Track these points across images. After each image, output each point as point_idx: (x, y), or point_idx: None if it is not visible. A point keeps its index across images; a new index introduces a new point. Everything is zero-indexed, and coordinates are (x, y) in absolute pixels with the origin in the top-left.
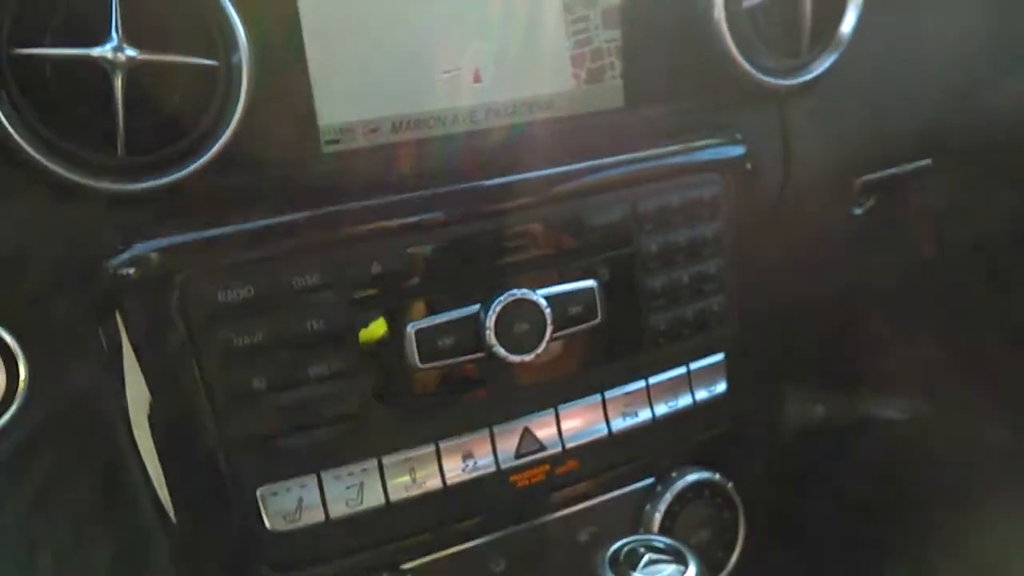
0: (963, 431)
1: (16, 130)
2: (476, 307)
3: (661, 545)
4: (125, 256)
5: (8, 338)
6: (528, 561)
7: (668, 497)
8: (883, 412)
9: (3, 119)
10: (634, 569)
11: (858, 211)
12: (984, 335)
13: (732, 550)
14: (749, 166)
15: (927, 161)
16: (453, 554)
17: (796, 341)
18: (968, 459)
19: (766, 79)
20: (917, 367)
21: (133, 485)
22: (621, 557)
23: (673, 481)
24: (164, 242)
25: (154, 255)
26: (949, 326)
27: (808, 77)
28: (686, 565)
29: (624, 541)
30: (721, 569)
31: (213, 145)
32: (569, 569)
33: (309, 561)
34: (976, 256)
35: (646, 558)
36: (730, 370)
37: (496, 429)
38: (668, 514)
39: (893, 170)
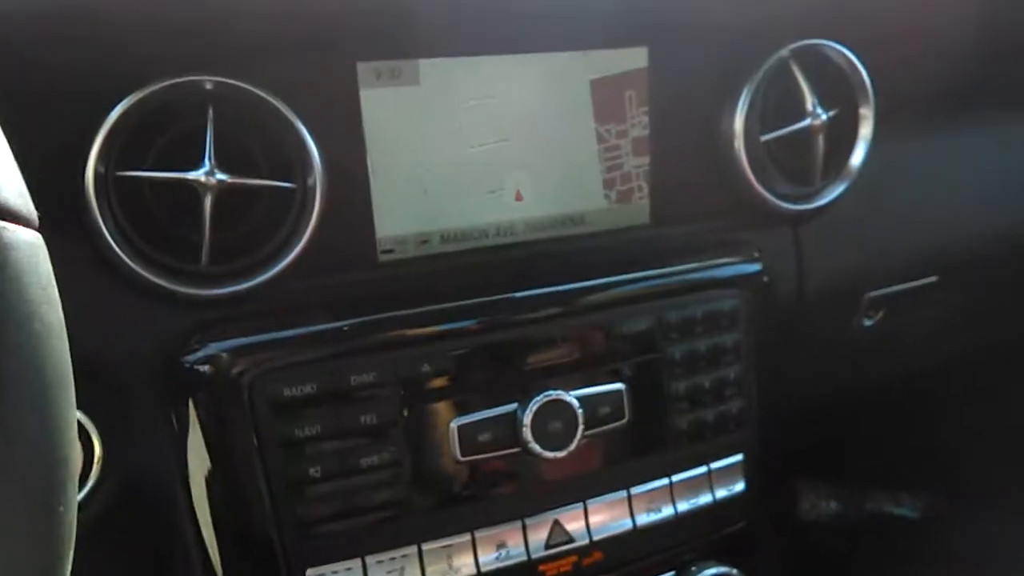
0: (971, 528)
1: (115, 241)
2: (514, 406)
3: None
4: (201, 354)
5: (85, 421)
6: None
7: None
8: (893, 509)
9: (105, 232)
10: None
11: (867, 323)
12: (986, 437)
13: None
14: (766, 280)
15: (933, 279)
16: None
17: (810, 441)
18: (979, 555)
19: (781, 204)
20: (926, 466)
21: (191, 564)
22: None
23: (693, 575)
24: (235, 342)
25: (225, 354)
26: (954, 430)
27: (820, 203)
28: None
29: None
30: None
31: (287, 257)
32: None
33: None
34: (976, 363)
35: None
36: (747, 470)
37: (528, 521)
38: None
39: (900, 287)
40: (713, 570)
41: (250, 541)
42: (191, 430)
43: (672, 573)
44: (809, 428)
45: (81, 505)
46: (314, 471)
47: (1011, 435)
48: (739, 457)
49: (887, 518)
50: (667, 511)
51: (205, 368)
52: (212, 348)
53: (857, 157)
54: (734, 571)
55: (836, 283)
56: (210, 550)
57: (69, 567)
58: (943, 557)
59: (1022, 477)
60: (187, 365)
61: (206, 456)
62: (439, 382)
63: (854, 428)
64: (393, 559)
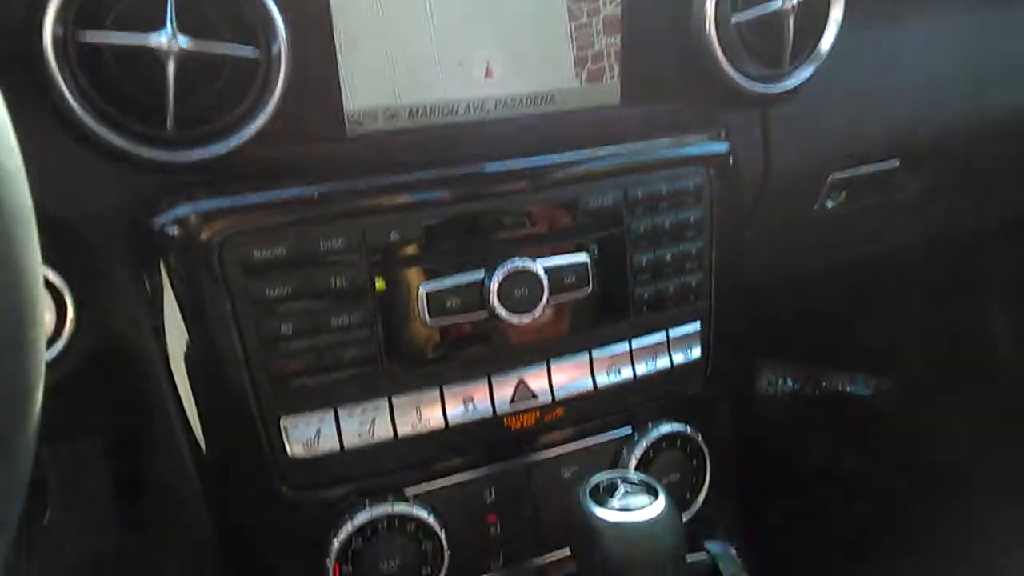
0: (922, 407)
1: (78, 104)
2: (481, 273)
3: (635, 480)
4: (169, 215)
5: (58, 281)
6: (517, 493)
7: (643, 444)
8: (847, 386)
9: (67, 94)
10: (611, 498)
11: (829, 205)
12: (942, 322)
13: (699, 492)
14: (731, 161)
15: (894, 162)
16: (451, 483)
17: (768, 320)
18: (928, 433)
19: (750, 86)
20: (880, 348)
21: (167, 417)
22: (600, 488)
23: (649, 431)
24: (205, 205)
25: (194, 216)
26: (909, 313)
27: (789, 85)
28: (656, 496)
29: (603, 475)
30: (688, 508)
31: (252, 125)
32: (553, 500)
33: (325, 484)
34: (935, 250)
35: (622, 490)
36: (704, 338)
37: (494, 379)
38: (643, 459)
39: (863, 169)
40: (668, 427)
41: (225, 395)
42: (164, 292)
43: (629, 429)
44: (767, 309)
45: (56, 360)
46: (286, 328)
47: (957, 326)
48: (696, 326)
49: (840, 396)
50: (626, 373)
51: (174, 230)
52: (181, 210)
53: (827, 40)
54: (687, 429)
55: (801, 164)
56: (187, 405)
57: (36, 410)
58: (888, 432)
59: (966, 362)
60: (156, 227)
61: (179, 317)
62: (408, 249)
63: (811, 311)
64: (364, 410)
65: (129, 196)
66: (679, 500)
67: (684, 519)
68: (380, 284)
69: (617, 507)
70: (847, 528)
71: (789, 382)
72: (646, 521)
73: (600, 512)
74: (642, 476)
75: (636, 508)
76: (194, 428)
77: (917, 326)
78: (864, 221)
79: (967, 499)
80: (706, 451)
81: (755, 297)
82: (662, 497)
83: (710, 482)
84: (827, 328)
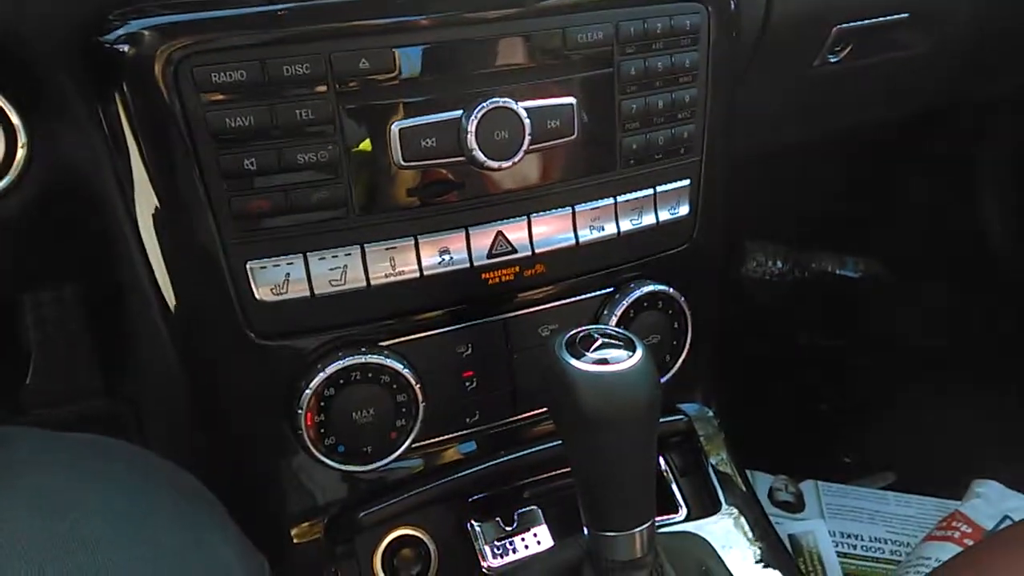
0: (909, 290)
1: None
2: (459, 112)
3: (614, 333)
4: (121, 32)
5: (8, 108)
6: (494, 349)
7: (624, 303)
8: (837, 268)
9: None
10: (588, 350)
11: (832, 59)
12: (935, 203)
13: (678, 355)
14: (733, 4)
15: (905, 15)
16: (426, 337)
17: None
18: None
19: None
20: (871, 228)
21: (131, 260)
22: (577, 340)
23: (631, 290)
24: (158, 20)
25: (147, 33)
26: (901, 192)
27: None
28: (635, 351)
29: (581, 328)
30: (667, 371)
31: None
32: (530, 358)
33: (294, 332)
34: (933, 123)
35: (599, 342)
36: (693, 196)
37: (471, 230)
38: (623, 318)
39: (871, 20)
40: (650, 286)
41: (189, 237)
42: (120, 123)
43: (611, 289)
44: (758, 184)
45: (8, 191)
46: (249, 163)
47: (951, 207)
48: (686, 182)
49: (829, 277)
50: (610, 230)
51: (125, 48)
52: (133, 26)
53: None
54: (670, 290)
55: (805, 11)
56: (151, 249)
57: None
58: (874, 316)
59: (956, 245)
60: (107, 45)
61: (138, 151)
62: (379, 82)
63: (802, 188)
64: (336, 256)
65: (78, 10)
66: (658, 362)
67: (662, 381)
68: (349, 119)
69: (593, 359)
70: (826, 402)
71: (778, 263)
72: (621, 371)
73: (575, 363)
74: (622, 331)
75: (612, 361)
76: (159, 275)
77: (909, 207)
78: (864, 83)
79: (943, 380)
80: (688, 314)
81: (746, 171)
82: (640, 351)
83: (690, 346)
84: (817, 207)
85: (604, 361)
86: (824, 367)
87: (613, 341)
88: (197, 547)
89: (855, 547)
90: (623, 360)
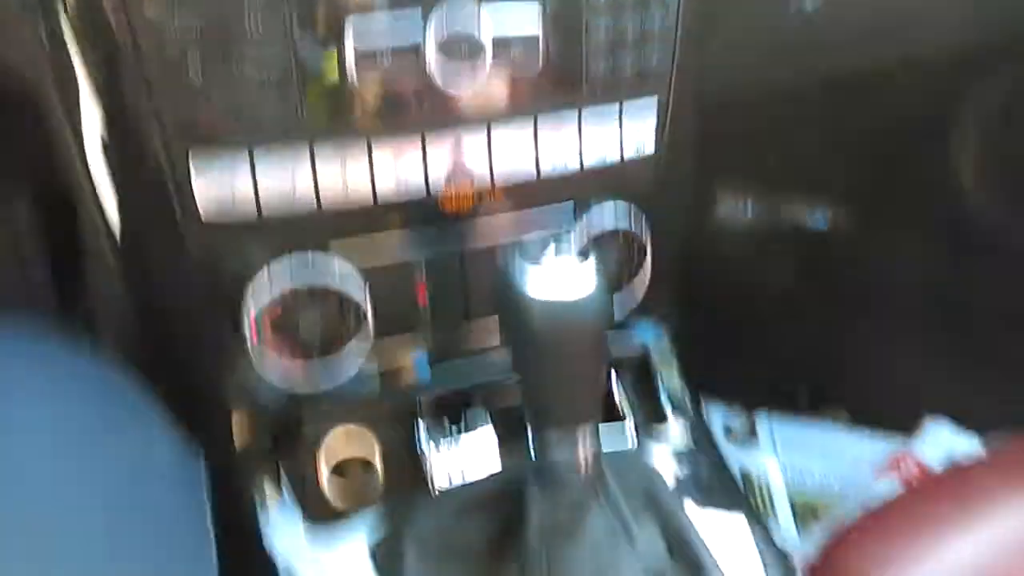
0: (879, 242)
1: None
2: (418, 11)
3: (569, 242)
4: None
5: None
6: (448, 277)
7: (585, 238)
8: (806, 218)
9: None
10: (541, 254)
11: (809, 7)
12: (910, 156)
13: (633, 278)
14: None
15: None
16: (378, 243)
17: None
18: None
19: None
20: (840, 179)
21: (73, 165)
22: (530, 247)
23: (591, 207)
24: None
25: None
26: (876, 144)
27: None
28: (589, 265)
29: (536, 237)
30: (625, 299)
31: None
32: (485, 284)
33: (239, 239)
34: (912, 74)
35: (552, 248)
36: (658, 135)
37: (429, 147)
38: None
39: None
40: (612, 202)
41: (131, 140)
42: (57, 14)
43: (570, 203)
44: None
45: None
46: (194, 60)
47: (924, 162)
48: (652, 110)
49: (798, 226)
50: (573, 164)
51: None
52: None
53: None
54: (633, 206)
55: None
56: (89, 149)
57: None
58: (839, 269)
59: (932, 197)
60: None
61: (75, 47)
62: None
63: (773, 136)
64: (283, 155)
65: None
66: (616, 282)
67: (620, 311)
68: (299, 8)
69: (545, 269)
70: (785, 340)
71: (748, 210)
72: (574, 301)
73: (528, 288)
74: (578, 243)
75: (565, 271)
76: (101, 179)
77: (884, 159)
78: (841, 29)
79: (905, 324)
80: (648, 234)
81: (720, 117)
82: (593, 268)
83: (651, 276)
84: (789, 155)
85: (557, 276)
86: (786, 307)
87: (567, 248)
88: (119, 427)
89: (804, 480)
90: (577, 277)
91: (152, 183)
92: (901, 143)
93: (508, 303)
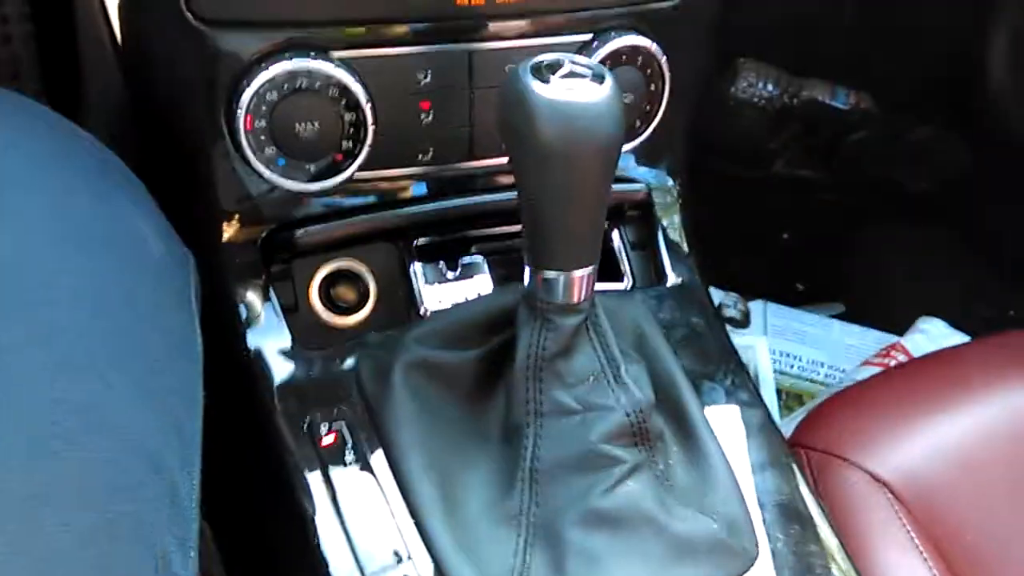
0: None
1: None
2: None
3: (584, 62)
4: None
5: None
6: (454, 81)
7: (602, 52)
8: (827, 98)
9: None
10: (553, 74)
11: None
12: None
13: (650, 121)
14: None
15: None
16: (383, 54)
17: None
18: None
19: None
20: (870, 60)
21: None
22: (543, 65)
23: (611, 39)
24: None
25: None
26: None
27: None
28: (603, 83)
29: (550, 56)
30: (636, 137)
31: None
32: (494, 96)
33: (238, 22)
34: None
35: (567, 70)
36: None
37: None
38: None
39: None
40: (632, 38)
41: None
42: None
43: (590, 36)
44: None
45: None
46: None
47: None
48: None
49: (817, 106)
50: None
51: None
52: None
53: None
54: (652, 45)
55: None
56: None
57: None
58: (856, 152)
59: (956, 89)
60: None
61: None
62: None
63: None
64: None
65: None
66: (628, 126)
67: (627, 146)
68: None
69: (557, 86)
70: (790, 231)
71: (768, 86)
72: (585, 103)
73: (537, 89)
74: (594, 64)
75: (578, 91)
76: None
77: (911, 44)
78: None
79: (912, 221)
80: (667, 77)
81: None
82: (609, 81)
83: (664, 113)
84: (814, 34)
85: (569, 91)
86: (795, 196)
87: (582, 71)
88: (112, 219)
89: (792, 366)
90: (589, 92)
91: None
92: (934, 34)
93: (513, 108)
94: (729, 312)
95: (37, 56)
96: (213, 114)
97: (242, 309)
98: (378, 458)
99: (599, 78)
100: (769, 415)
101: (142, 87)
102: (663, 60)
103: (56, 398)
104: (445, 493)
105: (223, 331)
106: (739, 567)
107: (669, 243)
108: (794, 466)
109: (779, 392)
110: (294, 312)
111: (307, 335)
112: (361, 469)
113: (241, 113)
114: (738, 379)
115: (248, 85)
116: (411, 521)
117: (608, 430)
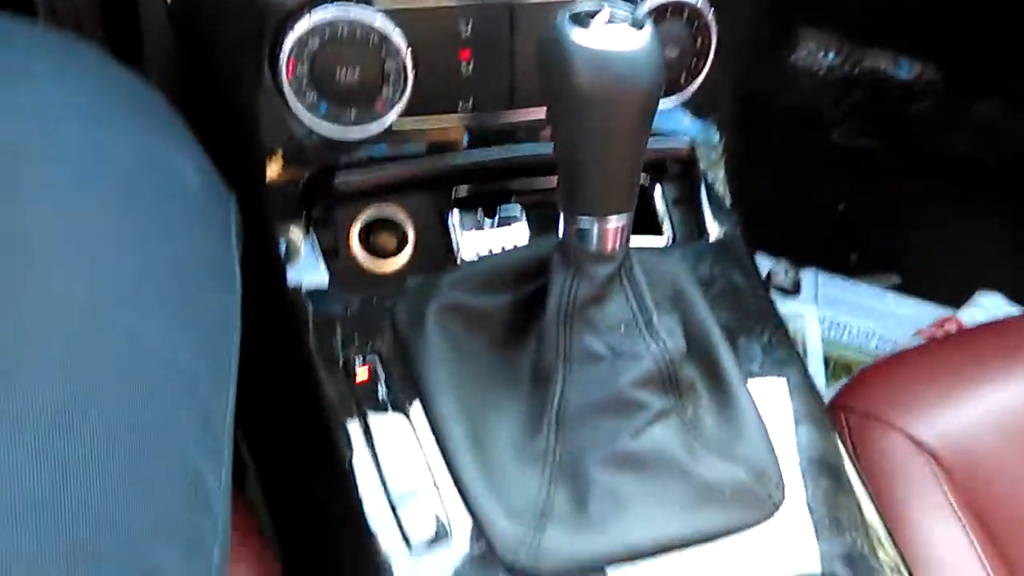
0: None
1: None
2: None
3: (625, 10)
4: None
5: None
6: (495, 33)
7: (647, 5)
8: (890, 67)
9: None
10: (592, 20)
11: None
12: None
13: (696, 77)
14: None
15: None
16: (423, 6)
17: None
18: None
19: None
20: (934, 30)
21: None
22: (583, 12)
23: None
24: None
25: None
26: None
27: None
28: (642, 27)
29: (591, 3)
30: (680, 91)
31: None
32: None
33: None
34: None
35: (606, 15)
36: None
37: None
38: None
39: None
40: None
41: None
42: None
43: None
44: None
45: None
46: None
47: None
48: None
49: (879, 76)
50: None
51: None
52: None
53: None
54: (698, 1)
55: None
56: None
57: None
58: (918, 123)
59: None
60: None
61: None
62: None
63: None
64: None
65: None
66: (673, 82)
67: (673, 101)
68: None
69: (595, 32)
70: (845, 201)
71: (830, 55)
72: (623, 52)
73: (575, 36)
74: (633, 9)
75: (617, 38)
76: None
77: (982, 19)
78: None
79: (972, 195)
80: (714, 32)
81: None
82: (648, 29)
83: (710, 70)
84: (878, 3)
85: (606, 36)
86: (852, 167)
87: (622, 18)
88: (147, 151)
89: (842, 335)
90: (627, 38)
91: None
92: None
93: (550, 53)
94: (779, 279)
95: (100, 7)
96: (258, 61)
97: (283, 245)
98: (411, 395)
99: (639, 25)
100: (807, 373)
101: (188, 36)
102: (710, 15)
103: (91, 323)
104: (475, 433)
105: (264, 272)
106: (763, 514)
107: (712, 197)
108: (830, 424)
109: (828, 361)
110: (334, 257)
111: (346, 279)
112: (394, 405)
113: (284, 59)
114: (775, 336)
115: (291, 31)
116: (441, 458)
117: (637, 376)
